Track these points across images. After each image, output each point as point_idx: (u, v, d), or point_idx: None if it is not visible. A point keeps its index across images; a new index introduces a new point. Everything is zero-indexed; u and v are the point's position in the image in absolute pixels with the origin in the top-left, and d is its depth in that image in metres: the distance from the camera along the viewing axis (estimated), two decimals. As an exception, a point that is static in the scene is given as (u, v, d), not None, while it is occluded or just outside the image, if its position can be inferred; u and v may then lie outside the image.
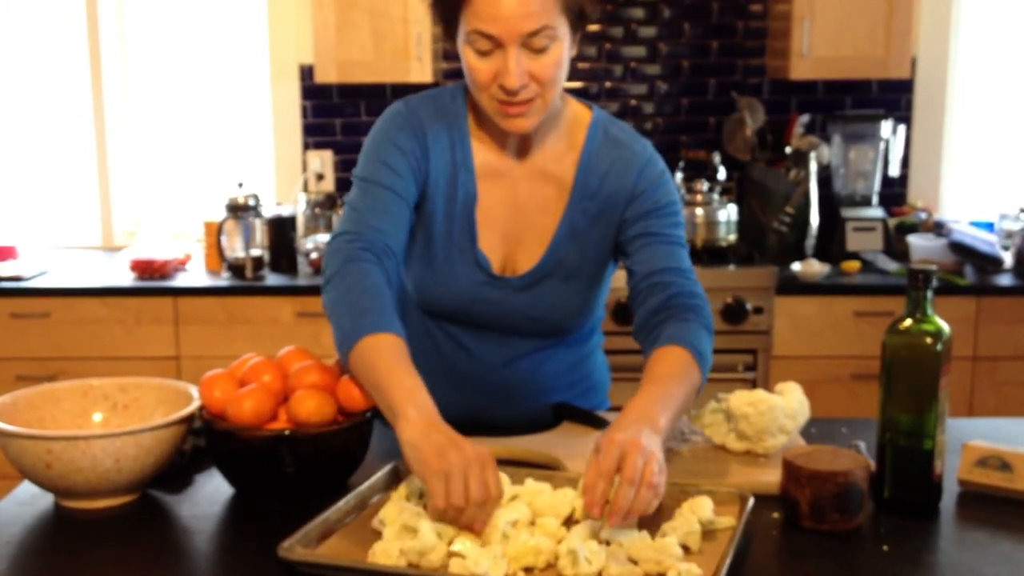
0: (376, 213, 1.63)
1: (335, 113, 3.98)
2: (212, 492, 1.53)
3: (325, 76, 3.59)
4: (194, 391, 1.55)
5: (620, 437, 1.32)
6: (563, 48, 1.57)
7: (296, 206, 3.78)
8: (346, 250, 1.59)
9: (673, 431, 1.45)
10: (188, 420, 1.50)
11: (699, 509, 1.34)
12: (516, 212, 1.73)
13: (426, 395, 1.41)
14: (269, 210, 3.67)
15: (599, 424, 1.73)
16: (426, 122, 1.70)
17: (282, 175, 4.01)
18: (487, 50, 1.55)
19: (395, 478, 1.50)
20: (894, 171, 3.78)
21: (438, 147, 1.70)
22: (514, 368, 1.80)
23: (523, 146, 1.72)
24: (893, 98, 3.94)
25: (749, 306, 3.36)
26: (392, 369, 1.43)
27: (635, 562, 1.23)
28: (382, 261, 1.59)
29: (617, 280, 1.90)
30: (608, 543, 1.27)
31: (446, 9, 1.59)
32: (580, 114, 1.75)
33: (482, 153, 1.72)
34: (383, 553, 1.25)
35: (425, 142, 1.69)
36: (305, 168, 3.98)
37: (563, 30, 1.56)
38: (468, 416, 1.79)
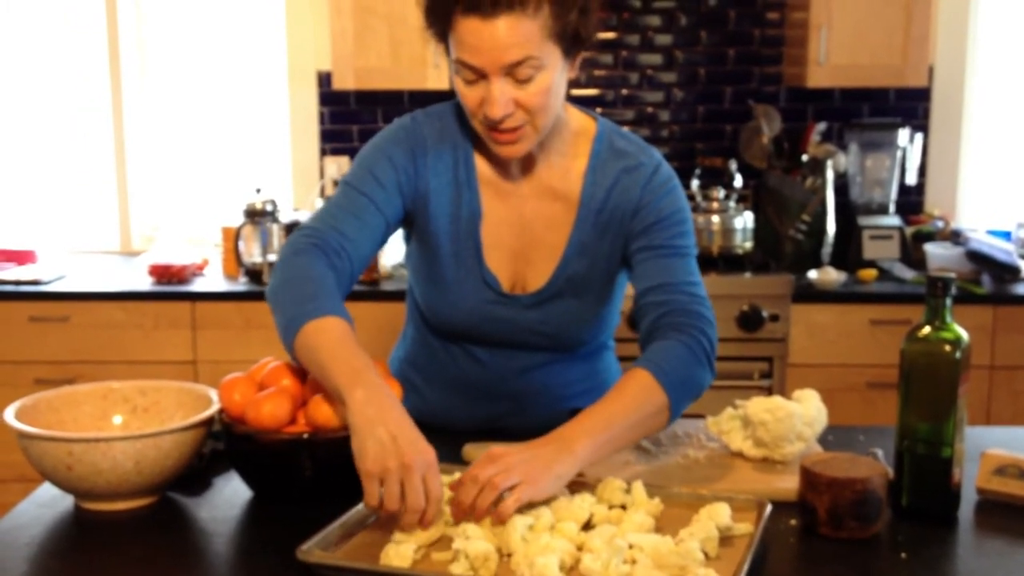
0: (345, 217, 1.63)
1: (352, 119, 3.99)
2: (231, 495, 1.54)
3: (343, 83, 3.60)
4: (213, 394, 1.56)
5: (498, 449, 1.37)
6: (551, 76, 1.54)
7: (313, 212, 3.78)
8: (298, 243, 1.60)
9: (603, 454, 1.43)
10: (207, 423, 1.51)
11: (717, 515, 1.33)
12: (523, 230, 1.73)
13: (374, 375, 1.38)
14: (286, 215, 3.68)
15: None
16: (429, 141, 1.69)
17: (299, 181, 4.02)
18: (472, 79, 1.54)
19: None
20: (911, 179, 3.77)
21: (441, 166, 1.70)
22: (528, 379, 1.80)
23: (527, 163, 1.70)
24: (910, 106, 3.93)
25: (765, 314, 3.36)
26: (338, 350, 1.41)
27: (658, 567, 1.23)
28: (330, 259, 1.58)
29: (632, 287, 1.90)
30: (631, 546, 1.27)
31: (436, 36, 1.59)
32: (585, 126, 1.73)
33: (487, 171, 1.72)
34: (396, 555, 1.26)
35: (424, 161, 1.69)
36: (322, 174, 4.00)
37: (551, 58, 1.53)
38: (483, 425, 1.80)
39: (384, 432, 1.30)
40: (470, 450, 1.65)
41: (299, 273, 1.54)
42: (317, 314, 1.46)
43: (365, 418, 1.32)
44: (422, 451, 1.31)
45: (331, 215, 1.64)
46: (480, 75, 1.53)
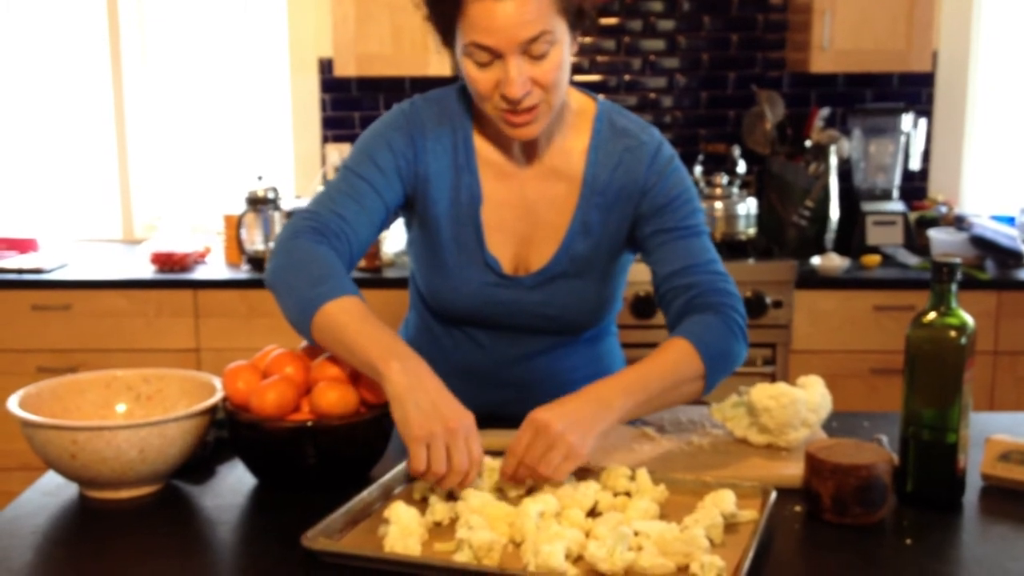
0: (345, 201, 1.64)
1: (354, 106, 3.98)
2: (235, 483, 1.54)
3: (344, 69, 3.59)
4: (217, 382, 1.56)
5: (541, 416, 1.40)
6: (563, 51, 1.56)
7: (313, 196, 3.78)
8: (298, 226, 1.61)
9: (638, 412, 1.50)
10: (211, 411, 1.51)
11: (722, 502, 1.33)
12: (526, 212, 1.72)
13: (405, 345, 1.44)
14: (288, 203, 3.68)
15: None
16: (427, 125, 1.70)
17: (301, 168, 4.01)
18: (486, 61, 1.54)
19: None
20: (915, 165, 3.76)
21: (440, 150, 1.70)
22: (532, 364, 1.80)
23: (530, 144, 1.70)
24: (914, 91, 3.92)
25: (768, 300, 3.35)
26: (363, 328, 1.45)
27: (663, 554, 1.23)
28: (331, 242, 1.60)
29: (635, 273, 1.89)
30: (636, 533, 1.27)
31: (441, 22, 1.58)
32: (584, 106, 1.73)
33: (487, 154, 1.72)
34: (400, 544, 1.26)
35: (424, 145, 1.69)
36: (324, 161, 3.99)
37: (561, 32, 1.55)
38: (488, 412, 1.80)
39: (425, 399, 1.37)
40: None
41: (304, 255, 1.56)
42: (333, 295, 1.49)
43: (404, 387, 1.37)
44: (463, 415, 1.38)
45: (331, 199, 1.65)
46: (495, 55, 1.53)
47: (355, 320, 1.46)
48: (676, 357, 1.54)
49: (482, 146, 1.72)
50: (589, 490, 1.39)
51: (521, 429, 1.41)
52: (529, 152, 1.71)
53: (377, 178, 1.66)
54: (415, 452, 1.35)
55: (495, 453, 1.56)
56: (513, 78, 1.52)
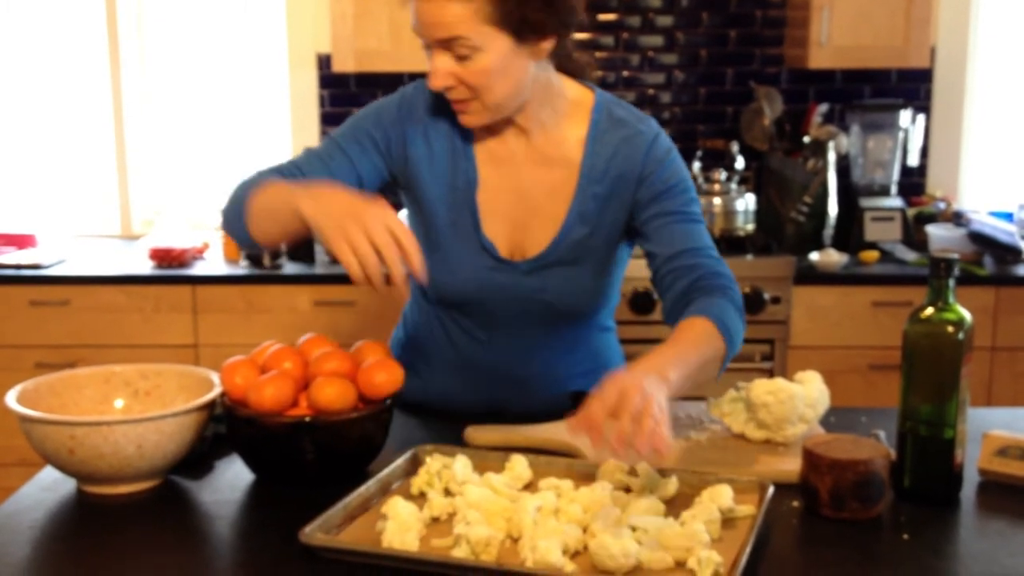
0: (311, 161, 1.71)
1: (353, 102, 3.98)
2: (233, 478, 1.54)
3: (343, 65, 3.59)
4: (215, 378, 1.56)
5: (622, 378, 1.31)
6: (492, 59, 1.56)
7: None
8: (250, 175, 1.70)
9: (682, 389, 1.42)
10: (209, 406, 1.51)
11: (719, 497, 1.34)
12: (522, 198, 1.74)
13: (317, 184, 1.52)
14: (287, 199, 3.67)
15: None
16: (425, 108, 1.73)
17: (299, 164, 4.01)
18: (425, 47, 1.60)
19: (415, 464, 1.50)
20: (913, 161, 3.76)
21: (434, 133, 1.72)
22: (529, 358, 1.80)
23: (521, 133, 1.72)
24: (912, 87, 3.92)
25: (767, 296, 3.35)
26: (282, 188, 1.55)
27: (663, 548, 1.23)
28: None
29: (633, 269, 1.90)
30: (634, 528, 1.27)
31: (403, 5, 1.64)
32: (582, 97, 1.75)
33: (484, 139, 1.74)
34: (398, 539, 1.26)
35: (416, 128, 1.72)
36: (322, 157, 3.99)
37: (491, 42, 1.55)
38: (486, 407, 1.80)
39: (334, 205, 1.42)
40: (472, 433, 1.65)
41: (240, 187, 1.67)
42: (255, 185, 1.62)
43: (315, 208, 1.44)
44: (370, 202, 1.41)
45: (300, 158, 1.73)
46: (427, 46, 1.59)
47: (277, 189, 1.56)
48: (703, 335, 1.53)
49: (479, 132, 1.73)
50: (593, 493, 1.37)
51: (603, 390, 1.29)
52: (523, 140, 1.73)
53: (352, 147, 1.71)
54: (342, 254, 1.36)
55: (495, 449, 1.56)
56: (432, 70, 1.59)
